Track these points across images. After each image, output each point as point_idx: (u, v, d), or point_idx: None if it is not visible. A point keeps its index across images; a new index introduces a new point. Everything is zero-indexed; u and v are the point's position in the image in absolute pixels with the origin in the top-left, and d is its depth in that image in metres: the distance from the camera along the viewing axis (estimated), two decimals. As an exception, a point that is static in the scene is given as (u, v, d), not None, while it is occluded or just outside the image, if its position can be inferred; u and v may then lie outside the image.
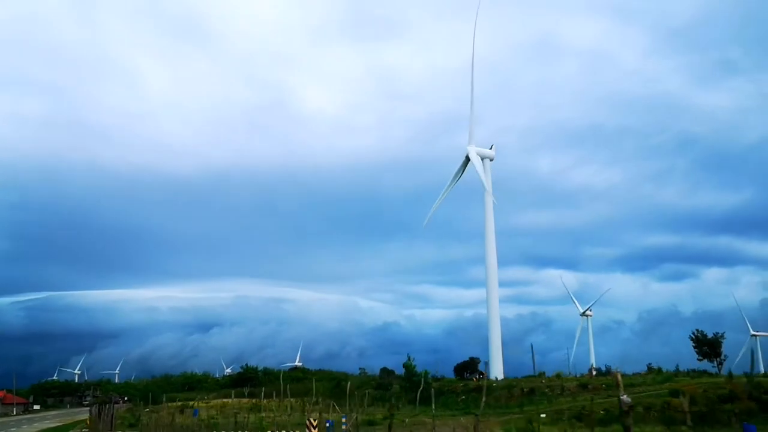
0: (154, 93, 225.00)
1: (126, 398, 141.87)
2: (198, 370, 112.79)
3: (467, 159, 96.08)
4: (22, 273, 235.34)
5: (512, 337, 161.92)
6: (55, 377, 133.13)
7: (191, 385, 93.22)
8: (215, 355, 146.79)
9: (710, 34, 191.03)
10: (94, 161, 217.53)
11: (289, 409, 57.87)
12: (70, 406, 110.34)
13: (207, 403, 69.48)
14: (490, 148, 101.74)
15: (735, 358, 75.32)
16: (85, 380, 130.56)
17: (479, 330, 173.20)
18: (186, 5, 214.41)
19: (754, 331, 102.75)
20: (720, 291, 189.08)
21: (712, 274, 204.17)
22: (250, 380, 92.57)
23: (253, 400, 63.34)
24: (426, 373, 48.70)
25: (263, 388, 54.08)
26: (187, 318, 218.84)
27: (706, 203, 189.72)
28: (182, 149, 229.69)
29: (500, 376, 74.06)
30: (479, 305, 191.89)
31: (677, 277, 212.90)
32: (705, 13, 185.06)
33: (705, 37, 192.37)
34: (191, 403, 66.30)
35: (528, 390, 39.66)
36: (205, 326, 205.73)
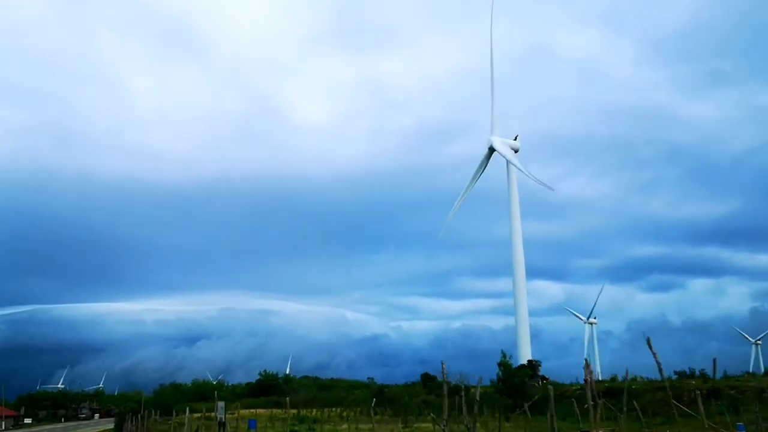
0: (143, 102, 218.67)
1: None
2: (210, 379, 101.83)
3: (490, 151, 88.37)
4: (6, 286, 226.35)
5: (500, 347, 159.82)
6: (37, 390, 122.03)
7: (204, 394, 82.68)
8: (201, 367, 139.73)
9: (699, 44, 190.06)
10: (81, 171, 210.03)
11: (342, 419, 48.00)
12: (65, 420, 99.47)
13: (233, 414, 59.36)
14: (515, 139, 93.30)
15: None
16: (82, 390, 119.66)
17: (467, 341, 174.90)
18: (175, 14, 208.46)
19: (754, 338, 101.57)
20: (707, 301, 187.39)
21: (699, 285, 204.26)
22: (271, 388, 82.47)
23: (293, 411, 53.42)
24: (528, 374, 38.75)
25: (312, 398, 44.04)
26: (173, 331, 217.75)
27: (693, 214, 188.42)
28: (171, 159, 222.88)
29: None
30: (467, 316, 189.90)
31: (665, 287, 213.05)
32: (694, 24, 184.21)
33: (694, 48, 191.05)
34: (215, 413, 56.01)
35: (705, 393, 30.07)
36: (191, 339, 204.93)
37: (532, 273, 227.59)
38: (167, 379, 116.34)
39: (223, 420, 24.33)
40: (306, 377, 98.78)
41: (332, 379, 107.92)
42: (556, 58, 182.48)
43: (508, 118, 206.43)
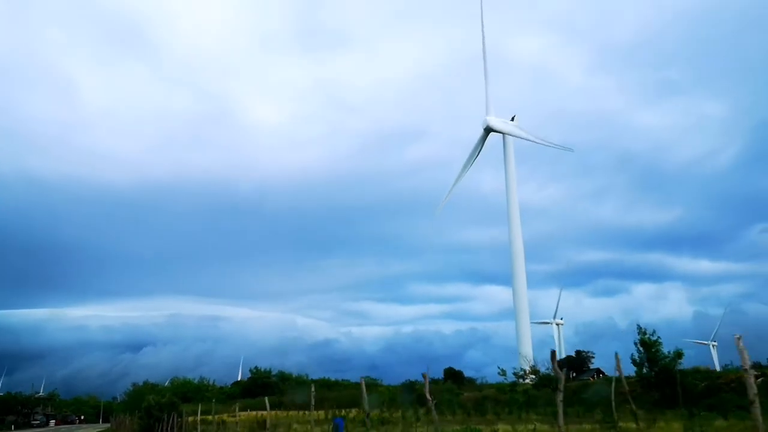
0: (90, 101, 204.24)
1: (82, 416, 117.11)
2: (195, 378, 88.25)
3: (486, 131, 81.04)
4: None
5: (451, 352, 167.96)
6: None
7: (186, 395, 70.39)
8: (146, 373, 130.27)
9: (649, 54, 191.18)
10: (24, 172, 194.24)
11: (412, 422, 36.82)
12: (15, 427, 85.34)
13: (235, 416, 47.61)
14: (512, 120, 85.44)
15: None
16: (35, 394, 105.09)
17: (418, 345, 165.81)
18: (125, 11, 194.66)
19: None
20: (650, 306, 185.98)
21: (643, 290, 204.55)
22: (264, 387, 70.52)
23: (319, 413, 42.14)
24: (679, 354, 27.96)
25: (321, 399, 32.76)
26: (118, 337, 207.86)
27: (639, 220, 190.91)
28: (119, 160, 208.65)
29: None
30: (418, 321, 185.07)
31: (611, 292, 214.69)
32: (647, 33, 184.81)
33: (644, 57, 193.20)
34: (212, 416, 44.32)
35: None
36: (136, 345, 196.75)
37: (483, 278, 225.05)
38: (111, 385, 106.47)
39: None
40: (300, 376, 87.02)
41: (323, 378, 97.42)
42: (509, 63, 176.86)
43: (461, 119, 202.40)
